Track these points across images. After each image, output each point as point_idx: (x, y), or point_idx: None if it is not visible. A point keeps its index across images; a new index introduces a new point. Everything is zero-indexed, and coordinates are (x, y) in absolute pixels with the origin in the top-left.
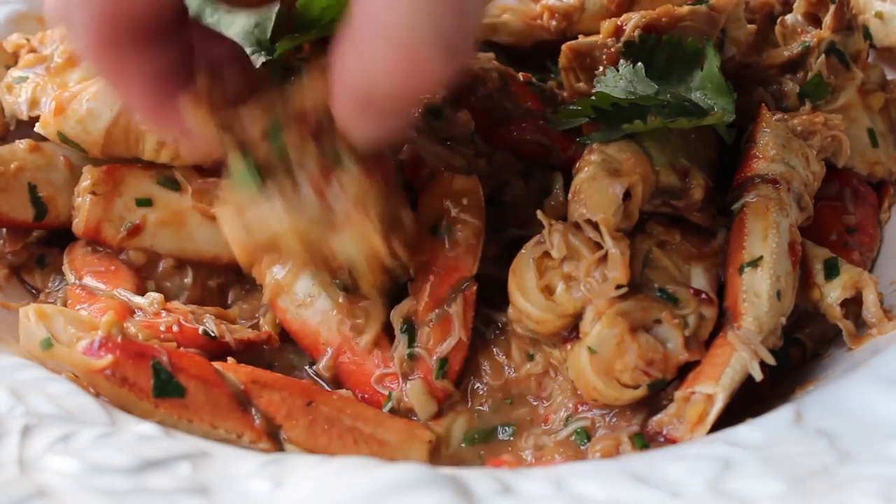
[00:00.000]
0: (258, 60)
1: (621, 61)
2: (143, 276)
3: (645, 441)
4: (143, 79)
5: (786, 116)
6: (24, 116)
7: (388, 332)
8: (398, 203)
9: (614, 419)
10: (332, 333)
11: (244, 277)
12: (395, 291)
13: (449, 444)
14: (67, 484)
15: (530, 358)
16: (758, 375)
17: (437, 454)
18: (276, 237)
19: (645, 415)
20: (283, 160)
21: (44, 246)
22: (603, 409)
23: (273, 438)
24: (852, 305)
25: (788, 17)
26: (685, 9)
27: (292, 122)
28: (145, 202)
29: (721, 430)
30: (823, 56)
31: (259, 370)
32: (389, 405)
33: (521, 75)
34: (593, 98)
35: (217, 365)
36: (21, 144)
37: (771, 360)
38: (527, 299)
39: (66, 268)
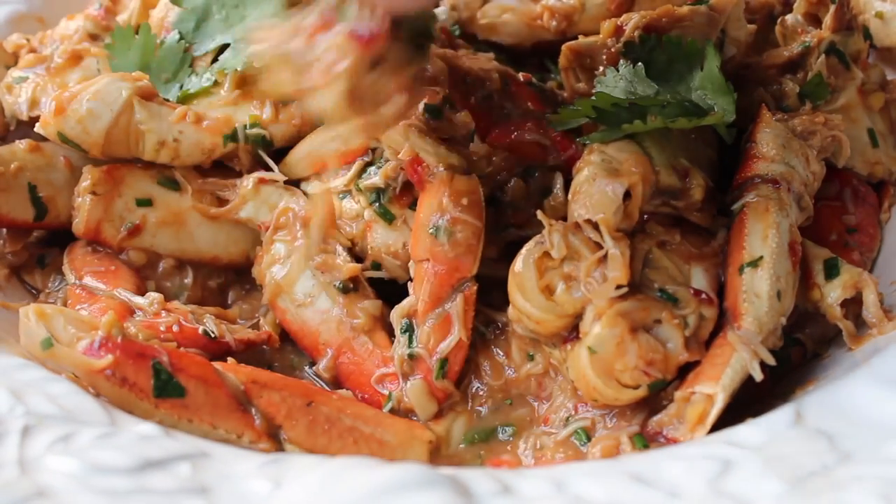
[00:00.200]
0: None
1: (621, 61)
2: (143, 276)
3: (645, 441)
4: None
5: (786, 116)
6: (24, 116)
7: (388, 332)
8: (385, 87)
9: (614, 419)
10: (332, 333)
11: (244, 277)
12: (395, 291)
13: (449, 445)
14: (67, 484)
15: (530, 358)
16: (758, 375)
17: (437, 454)
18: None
19: (645, 415)
20: None
21: (44, 246)
22: (603, 409)
23: (273, 438)
24: (852, 305)
25: (788, 17)
26: (685, 9)
27: None
28: (145, 202)
29: (721, 430)
30: (823, 56)
31: (259, 370)
32: (389, 405)
33: (521, 75)
34: (593, 98)
35: (217, 365)
36: (21, 144)
37: (771, 361)
38: (527, 299)
39: (66, 268)
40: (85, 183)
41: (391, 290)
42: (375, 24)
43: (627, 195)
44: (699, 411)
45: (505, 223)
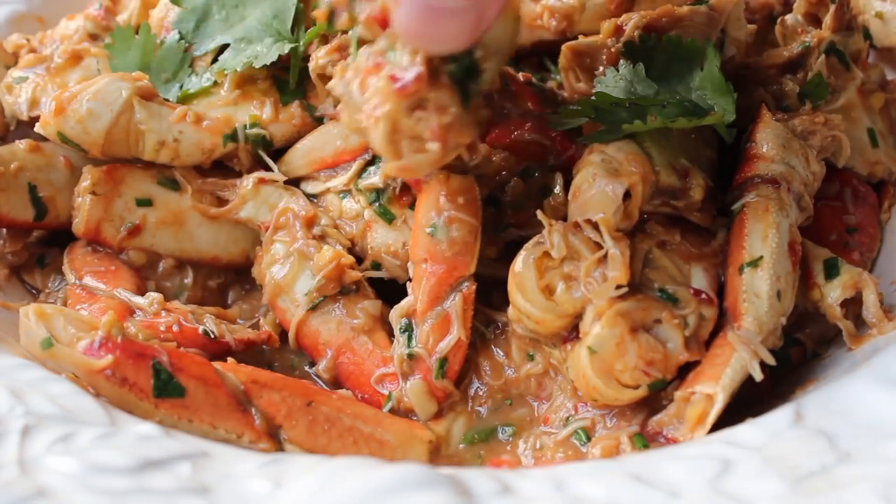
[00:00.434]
0: (283, 48)
1: (621, 61)
2: (143, 276)
3: (645, 441)
4: None
5: (786, 116)
6: (24, 116)
7: (387, 332)
8: (424, 132)
9: (614, 419)
10: (331, 333)
11: (244, 277)
12: (395, 291)
13: (449, 445)
14: (67, 484)
15: (530, 358)
16: (758, 375)
17: (437, 454)
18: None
19: (645, 415)
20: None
21: (44, 246)
22: (603, 409)
23: (273, 438)
24: (852, 305)
25: (788, 17)
26: (685, 9)
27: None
28: (145, 202)
29: (721, 430)
30: (823, 56)
31: (259, 370)
32: (389, 405)
33: (521, 75)
34: (593, 98)
35: (217, 365)
36: (21, 144)
37: (771, 361)
38: (527, 299)
39: (66, 268)
40: (85, 183)
41: (391, 290)
42: (415, 69)
43: (627, 195)
44: (699, 411)
45: (505, 223)
